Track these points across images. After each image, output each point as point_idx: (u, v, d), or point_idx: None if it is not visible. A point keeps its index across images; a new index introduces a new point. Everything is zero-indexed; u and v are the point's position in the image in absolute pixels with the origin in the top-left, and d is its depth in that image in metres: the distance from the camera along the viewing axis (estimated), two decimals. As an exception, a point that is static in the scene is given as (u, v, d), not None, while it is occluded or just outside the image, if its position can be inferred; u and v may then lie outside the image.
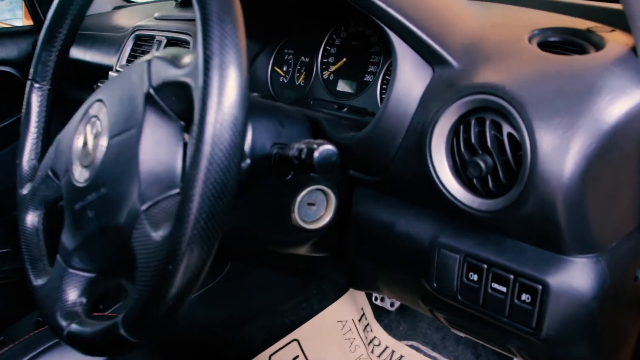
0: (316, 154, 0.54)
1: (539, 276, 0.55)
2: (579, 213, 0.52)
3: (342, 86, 0.91)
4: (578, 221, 0.52)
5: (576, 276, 0.55)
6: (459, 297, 0.63)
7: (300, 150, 0.56)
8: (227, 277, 1.15)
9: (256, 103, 0.70)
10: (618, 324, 0.63)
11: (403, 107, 0.64)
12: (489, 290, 0.60)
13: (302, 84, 0.98)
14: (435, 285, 0.66)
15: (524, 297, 0.57)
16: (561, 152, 0.50)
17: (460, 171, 0.59)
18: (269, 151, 0.67)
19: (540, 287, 0.55)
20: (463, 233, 0.63)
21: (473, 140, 0.57)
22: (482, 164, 0.55)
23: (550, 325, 0.56)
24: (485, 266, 0.60)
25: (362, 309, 1.36)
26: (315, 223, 0.74)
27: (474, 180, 0.58)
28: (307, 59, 0.99)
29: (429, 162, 0.60)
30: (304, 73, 0.99)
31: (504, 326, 0.61)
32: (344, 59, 0.91)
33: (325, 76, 0.95)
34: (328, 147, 0.54)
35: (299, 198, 0.71)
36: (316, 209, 0.74)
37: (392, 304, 1.26)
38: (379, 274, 0.78)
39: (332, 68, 0.94)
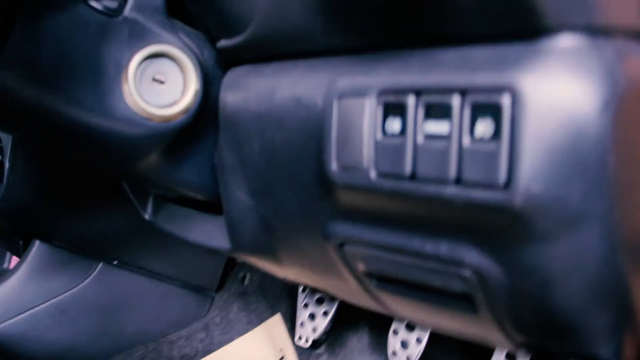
0: None
1: (501, 79, 0.30)
2: None
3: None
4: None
5: (566, 70, 0.30)
6: (372, 176, 0.37)
7: None
8: (93, 283, 0.83)
9: None
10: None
11: None
12: (422, 138, 0.34)
13: None
14: (333, 168, 0.39)
15: (480, 127, 0.31)
16: None
17: None
18: None
19: (506, 96, 0.30)
20: (375, 60, 0.37)
21: None
22: None
23: (533, 169, 0.30)
24: (413, 97, 0.34)
25: (281, 349, 1.04)
26: (164, 110, 0.47)
27: None
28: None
29: None
30: None
31: (444, 211, 0.34)
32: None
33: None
34: None
35: (134, 62, 0.46)
36: (167, 89, 0.48)
37: (314, 329, 0.94)
38: (260, 195, 0.50)
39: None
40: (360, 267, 0.46)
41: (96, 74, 0.44)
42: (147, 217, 0.69)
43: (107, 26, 0.44)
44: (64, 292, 0.81)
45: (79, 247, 0.82)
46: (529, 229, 0.31)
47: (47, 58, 0.43)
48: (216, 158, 0.53)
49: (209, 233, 0.62)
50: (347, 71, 0.39)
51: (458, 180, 0.32)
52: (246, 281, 1.06)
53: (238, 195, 0.53)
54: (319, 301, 0.95)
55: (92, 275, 0.83)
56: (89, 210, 0.75)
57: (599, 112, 0.29)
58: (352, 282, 0.50)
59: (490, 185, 0.31)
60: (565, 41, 0.30)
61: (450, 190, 0.33)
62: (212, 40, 0.52)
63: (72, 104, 0.45)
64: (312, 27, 0.41)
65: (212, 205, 0.63)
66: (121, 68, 0.45)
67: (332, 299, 0.94)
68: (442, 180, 0.33)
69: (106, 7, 0.44)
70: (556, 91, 0.29)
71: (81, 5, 0.43)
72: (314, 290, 0.94)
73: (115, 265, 0.84)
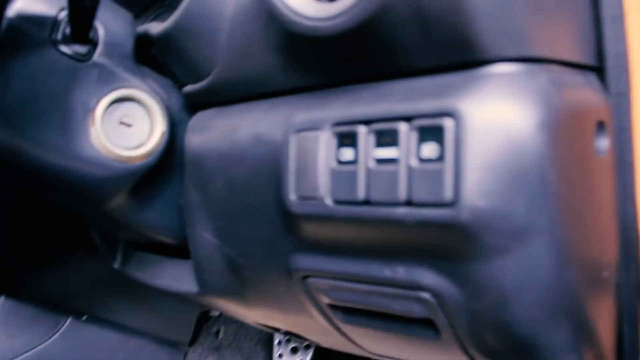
0: None
1: (443, 105, 0.32)
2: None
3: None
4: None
5: (503, 93, 0.32)
6: (329, 204, 0.38)
7: None
8: (60, 340, 0.80)
9: None
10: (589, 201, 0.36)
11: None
12: (373, 165, 0.35)
13: None
14: (292, 198, 0.40)
15: (426, 150, 0.33)
16: None
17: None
18: (54, 15, 0.45)
19: (448, 120, 0.32)
20: (329, 96, 0.40)
21: None
22: None
23: (477, 186, 0.31)
24: (364, 128, 0.36)
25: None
26: (131, 151, 0.49)
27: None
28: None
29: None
30: None
31: (398, 234, 0.35)
32: None
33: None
34: None
35: (101, 105, 0.47)
36: (134, 131, 0.49)
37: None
38: (225, 234, 0.50)
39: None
40: (324, 299, 0.46)
41: (64, 116, 0.46)
42: (116, 265, 0.68)
43: (76, 70, 0.46)
44: (30, 350, 0.78)
45: (48, 301, 0.80)
46: (479, 245, 0.33)
47: (16, 100, 0.44)
48: (182, 199, 0.54)
49: (178, 278, 0.62)
50: (304, 107, 0.41)
51: (408, 202, 0.34)
52: (220, 335, 1.03)
53: (204, 235, 0.53)
54: (294, 350, 0.93)
55: (59, 332, 0.81)
56: (58, 262, 0.74)
57: (536, 130, 0.31)
58: (319, 319, 0.50)
59: (438, 204, 0.32)
60: (502, 68, 0.32)
61: (401, 212, 0.34)
62: (179, 86, 0.54)
63: (39, 145, 0.46)
64: (271, 69, 0.43)
65: (182, 251, 0.63)
66: (89, 111, 0.47)
67: (306, 347, 0.92)
68: (393, 203, 0.34)
69: (76, 52, 0.46)
70: (495, 113, 0.31)
71: (51, 50, 0.45)
72: (288, 340, 0.93)
73: (85, 320, 0.82)
